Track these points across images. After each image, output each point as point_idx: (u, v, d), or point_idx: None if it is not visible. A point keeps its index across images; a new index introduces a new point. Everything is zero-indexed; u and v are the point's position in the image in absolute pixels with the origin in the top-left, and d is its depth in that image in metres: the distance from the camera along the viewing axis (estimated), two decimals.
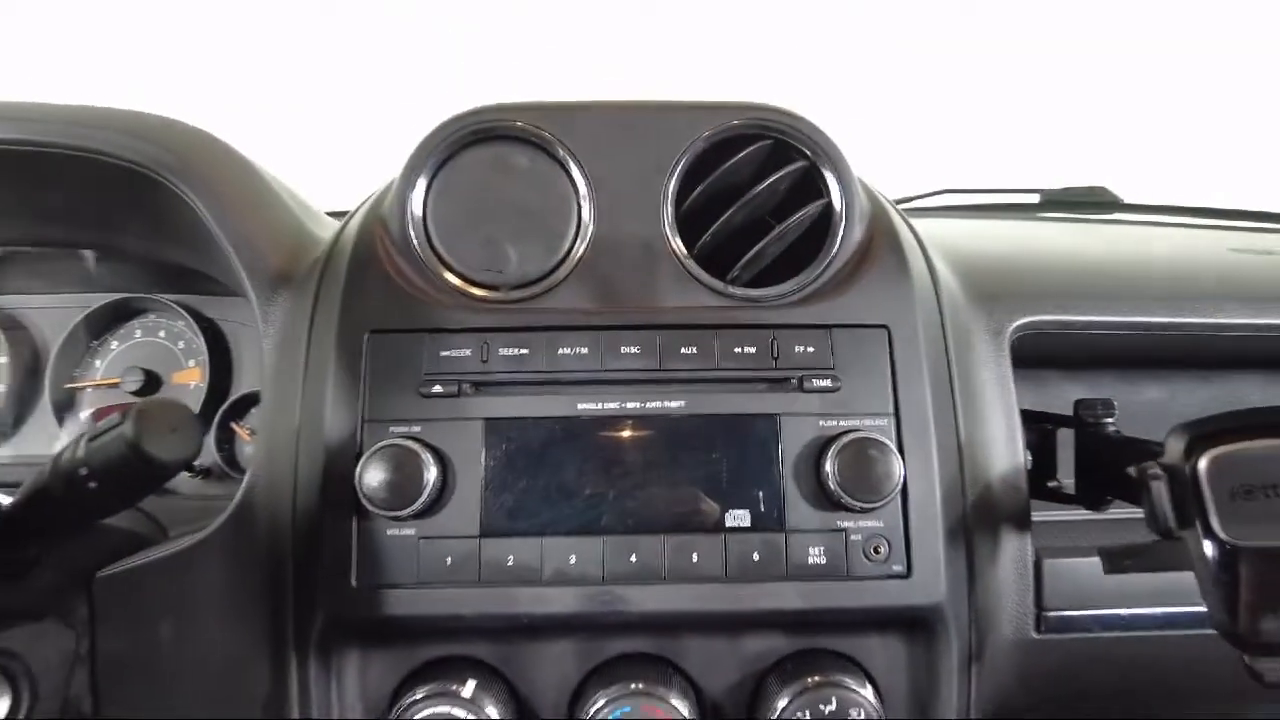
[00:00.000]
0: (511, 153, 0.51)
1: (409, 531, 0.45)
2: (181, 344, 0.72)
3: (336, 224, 0.64)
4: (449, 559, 0.45)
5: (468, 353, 0.48)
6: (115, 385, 0.71)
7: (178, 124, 0.60)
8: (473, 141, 0.51)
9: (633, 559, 0.45)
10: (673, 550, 0.46)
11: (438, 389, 0.47)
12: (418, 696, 0.45)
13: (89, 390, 0.72)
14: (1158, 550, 0.45)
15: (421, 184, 0.50)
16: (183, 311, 0.72)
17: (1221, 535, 0.42)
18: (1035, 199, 1.23)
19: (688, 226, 0.51)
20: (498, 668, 0.47)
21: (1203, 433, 0.43)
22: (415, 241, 0.49)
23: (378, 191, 0.57)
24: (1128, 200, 1.25)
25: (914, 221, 1.07)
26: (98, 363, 0.72)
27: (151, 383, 0.71)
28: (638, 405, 0.47)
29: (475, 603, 0.45)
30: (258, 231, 0.56)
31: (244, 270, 0.54)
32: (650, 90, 0.55)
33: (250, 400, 0.71)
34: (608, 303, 0.50)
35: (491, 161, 0.51)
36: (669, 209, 0.51)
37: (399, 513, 0.44)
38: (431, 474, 0.44)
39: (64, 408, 0.72)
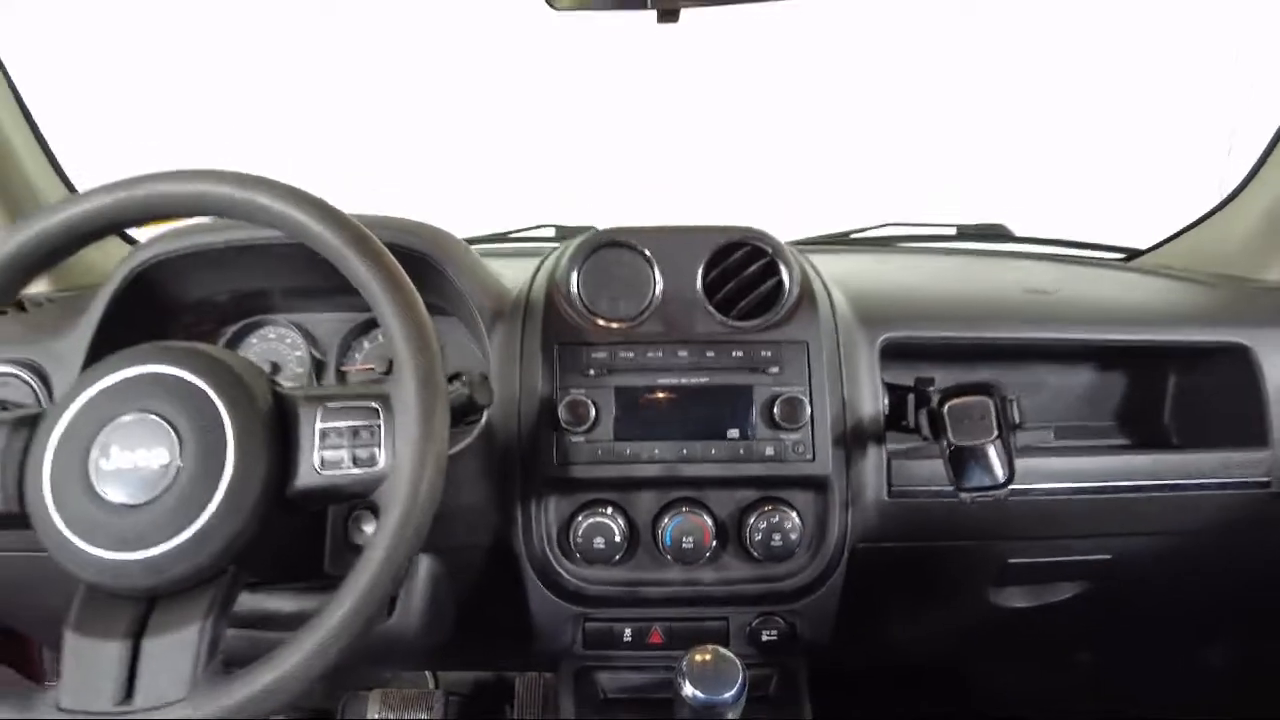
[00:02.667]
0: (621, 253, 1.01)
1: (581, 439, 0.94)
2: None
3: (508, 272, 1.12)
4: (599, 451, 0.94)
5: (605, 355, 0.96)
6: (370, 369, 1.19)
7: (427, 225, 1.07)
8: (601, 247, 1.01)
9: (684, 451, 0.95)
10: (702, 448, 0.95)
11: (592, 372, 0.96)
12: (581, 516, 0.95)
13: (353, 372, 1.21)
14: (928, 448, 0.94)
15: (577, 269, 1.00)
16: None
17: (951, 440, 0.91)
18: (953, 231, 1.71)
19: (709, 290, 1.00)
20: (619, 503, 0.97)
21: (947, 393, 0.93)
22: (576, 299, 0.99)
23: (549, 266, 1.06)
24: (1018, 234, 1.73)
25: (857, 254, 1.54)
26: (358, 356, 1.19)
27: (391, 368, 1.21)
28: (686, 380, 0.96)
29: (611, 471, 0.95)
30: (480, 288, 1.04)
31: (478, 312, 1.03)
32: None
33: (451, 378, 1.20)
34: (669, 329, 0.98)
35: (611, 258, 1.01)
36: (699, 281, 1.00)
37: (577, 429, 0.94)
38: (592, 411, 0.94)
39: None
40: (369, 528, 0.99)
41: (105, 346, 1.06)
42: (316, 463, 0.73)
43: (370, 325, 1.20)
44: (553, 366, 0.96)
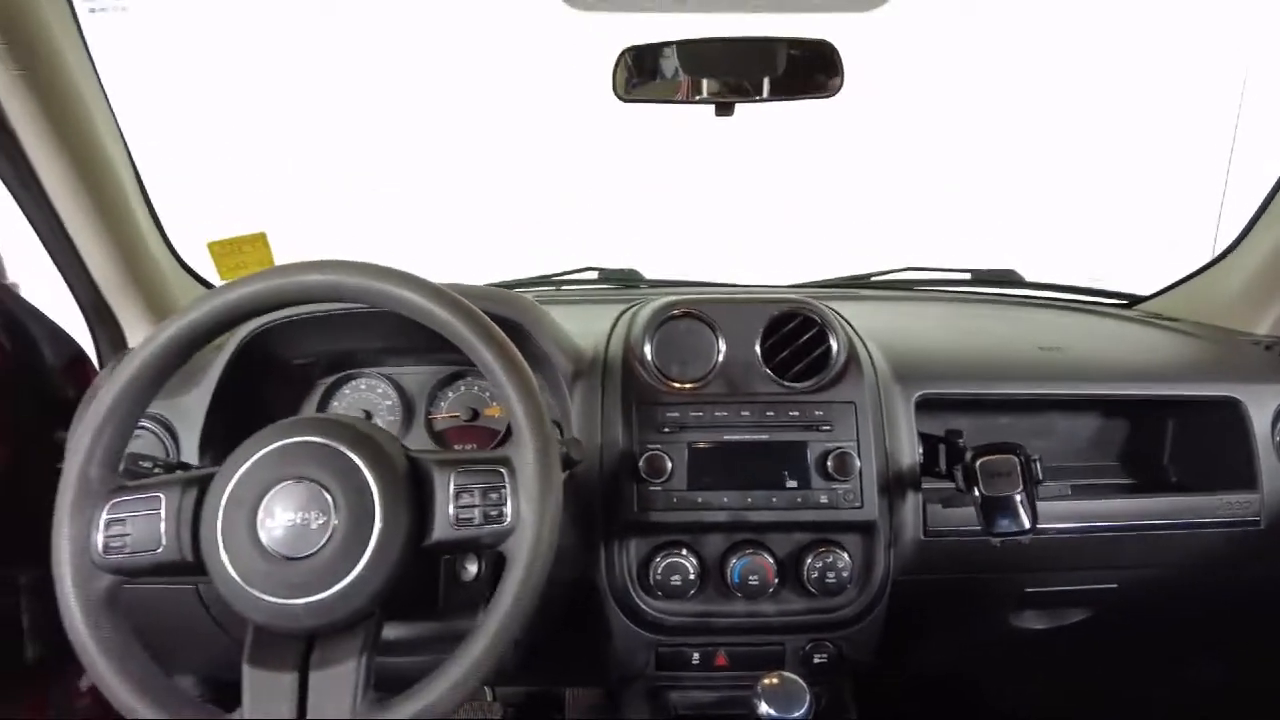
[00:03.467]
0: (689, 323, 1.15)
1: (658, 488, 1.08)
2: (488, 394, 1.32)
3: (567, 324, 1.25)
4: (674, 499, 1.08)
5: (677, 414, 1.10)
6: (455, 417, 1.33)
7: (516, 294, 1.21)
8: (670, 319, 1.15)
9: (749, 500, 1.08)
10: (764, 497, 1.08)
11: (667, 429, 1.10)
12: (659, 556, 1.09)
13: (439, 419, 1.35)
14: (960, 497, 1.08)
15: (650, 338, 1.14)
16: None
17: (982, 490, 1.05)
18: (968, 276, 1.85)
19: (767, 354, 1.14)
20: (691, 545, 1.11)
21: (979, 449, 1.07)
22: (650, 364, 1.12)
23: (621, 332, 1.19)
24: (1027, 279, 1.87)
25: (880, 303, 1.67)
26: (443, 404, 1.33)
27: (474, 415, 1.34)
28: (749, 437, 1.09)
29: (684, 516, 1.08)
30: (561, 351, 1.16)
31: (560, 372, 1.16)
32: None
33: None
34: (732, 389, 1.12)
35: (680, 327, 1.14)
36: (758, 347, 1.13)
37: (655, 480, 1.07)
38: (668, 464, 1.08)
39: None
40: (472, 567, 1.13)
41: (221, 402, 1.20)
42: (452, 518, 0.84)
43: (454, 377, 1.33)
44: (631, 425, 1.10)
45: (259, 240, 1.56)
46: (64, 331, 1.37)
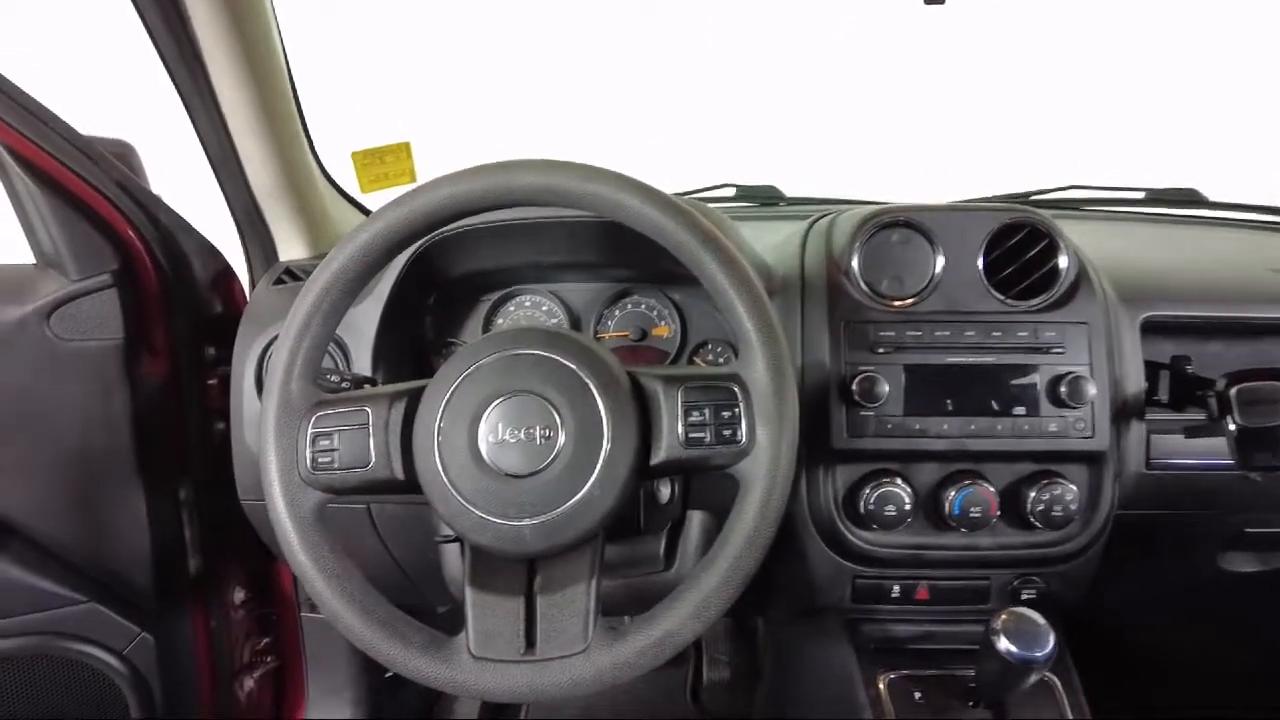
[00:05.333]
0: (903, 232, 1.05)
1: (871, 413, 1.01)
2: (655, 312, 1.26)
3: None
4: (889, 425, 1.00)
5: (893, 333, 1.02)
6: (624, 336, 1.27)
7: (706, 206, 1.13)
8: (882, 227, 1.05)
9: (971, 427, 1.00)
10: (988, 424, 1.00)
11: (881, 350, 1.01)
12: (870, 486, 1.02)
13: (608, 339, 1.28)
14: (1210, 427, 0.99)
15: (858, 250, 1.05)
16: (658, 293, 1.27)
17: (1239, 420, 0.95)
18: (1141, 195, 1.70)
19: (989, 270, 1.04)
20: (903, 473, 1.04)
21: (1234, 375, 0.96)
22: (858, 278, 1.03)
23: (819, 244, 1.10)
24: (1212, 199, 1.71)
25: (1062, 222, 1.54)
26: (610, 323, 1.26)
27: (643, 335, 1.28)
28: (974, 360, 1.01)
29: (898, 444, 1.00)
30: (755, 266, 1.10)
31: None
32: None
33: (698, 346, 1.27)
34: (951, 307, 1.03)
35: (893, 238, 1.05)
36: (980, 260, 1.04)
37: (868, 404, 1.00)
38: (885, 388, 1.00)
39: None
40: (665, 489, 1.08)
41: (390, 317, 1.15)
42: (681, 437, 0.78)
43: (620, 295, 1.27)
44: (840, 345, 1.02)
45: (402, 150, 1.48)
46: (213, 245, 1.33)
